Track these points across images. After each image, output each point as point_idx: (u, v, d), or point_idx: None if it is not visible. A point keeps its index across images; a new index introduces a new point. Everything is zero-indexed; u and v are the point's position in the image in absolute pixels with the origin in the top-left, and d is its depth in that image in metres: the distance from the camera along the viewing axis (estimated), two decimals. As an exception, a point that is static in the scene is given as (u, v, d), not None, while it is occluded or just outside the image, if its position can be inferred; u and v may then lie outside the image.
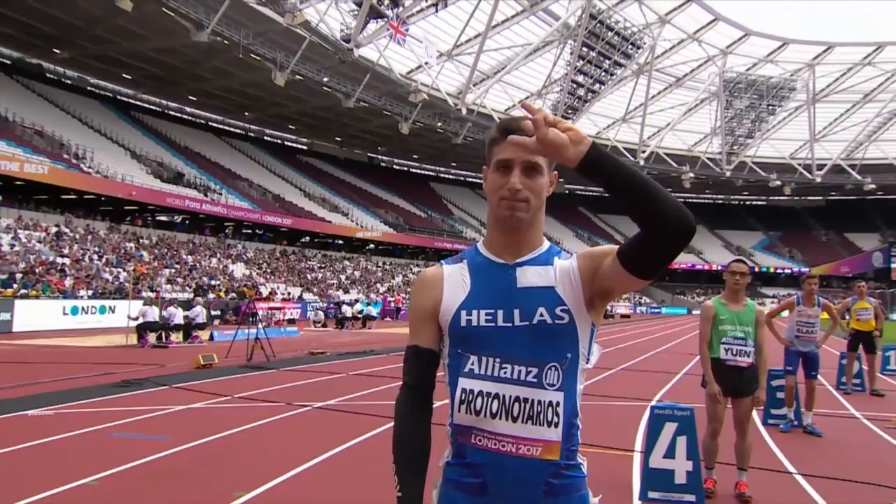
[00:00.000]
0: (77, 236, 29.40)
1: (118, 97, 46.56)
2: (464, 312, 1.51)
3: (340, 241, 49.87)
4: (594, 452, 5.95)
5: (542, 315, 1.48)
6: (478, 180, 73.26)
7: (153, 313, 14.96)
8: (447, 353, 1.55)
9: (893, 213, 74.71)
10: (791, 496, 4.91)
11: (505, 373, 1.46)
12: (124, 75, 44.50)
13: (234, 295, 28.90)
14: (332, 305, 29.80)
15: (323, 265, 43.40)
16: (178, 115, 50.56)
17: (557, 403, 1.46)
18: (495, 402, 1.45)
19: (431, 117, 49.29)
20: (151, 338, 14.71)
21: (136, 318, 14.60)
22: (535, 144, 1.40)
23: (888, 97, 60.43)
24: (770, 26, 56.42)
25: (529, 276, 1.52)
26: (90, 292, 21.95)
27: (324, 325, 24.74)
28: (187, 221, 40.07)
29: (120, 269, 26.60)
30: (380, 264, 49.32)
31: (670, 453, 4.61)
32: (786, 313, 7.87)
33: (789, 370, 7.44)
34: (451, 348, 1.54)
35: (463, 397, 1.48)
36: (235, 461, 5.40)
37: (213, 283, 30.07)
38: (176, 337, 15.49)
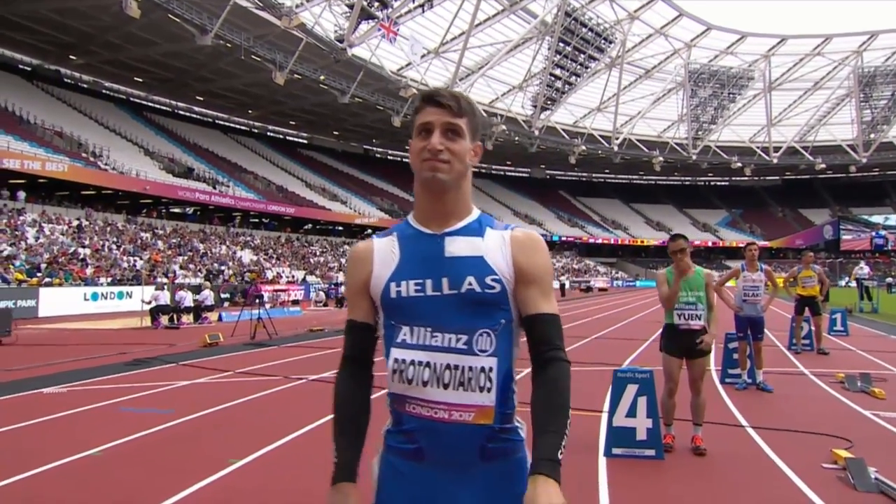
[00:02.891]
0: (97, 228, 29.09)
1: (131, 99, 45.86)
2: (393, 284, 1.41)
3: (340, 228, 49.61)
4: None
5: (470, 284, 1.37)
6: (466, 168, 72.95)
7: (165, 297, 14.82)
8: (381, 324, 1.46)
9: (841, 190, 75.10)
10: (742, 447, 4.89)
11: (436, 341, 1.36)
12: (136, 78, 43.80)
13: (244, 278, 28.74)
14: (332, 286, 29.64)
15: (324, 250, 43.20)
16: (187, 114, 49.90)
17: (490, 369, 1.36)
18: (426, 370, 1.36)
19: (421, 111, 48.76)
20: (164, 320, 14.56)
21: (149, 302, 14.46)
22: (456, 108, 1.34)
23: (835, 84, 60.44)
24: (729, 21, 56.29)
25: (458, 246, 1.41)
26: (109, 279, 21.72)
27: (325, 305, 24.59)
28: (198, 212, 39.72)
29: (136, 258, 26.36)
30: (377, 247, 49.15)
31: (632, 413, 4.57)
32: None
33: (741, 336, 7.42)
34: (384, 320, 1.44)
35: (395, 367, 1.39)
36: (233, 430, 5.33)
37: (222, 268, 29.85)
38: (187, 319, 15.34)
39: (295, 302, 26.26)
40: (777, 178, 77.39)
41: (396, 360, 1.39)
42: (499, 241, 1.43)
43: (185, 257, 29.60)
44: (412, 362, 1.37)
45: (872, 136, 62.15)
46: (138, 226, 32.20)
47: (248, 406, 6.30)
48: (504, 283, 1.39)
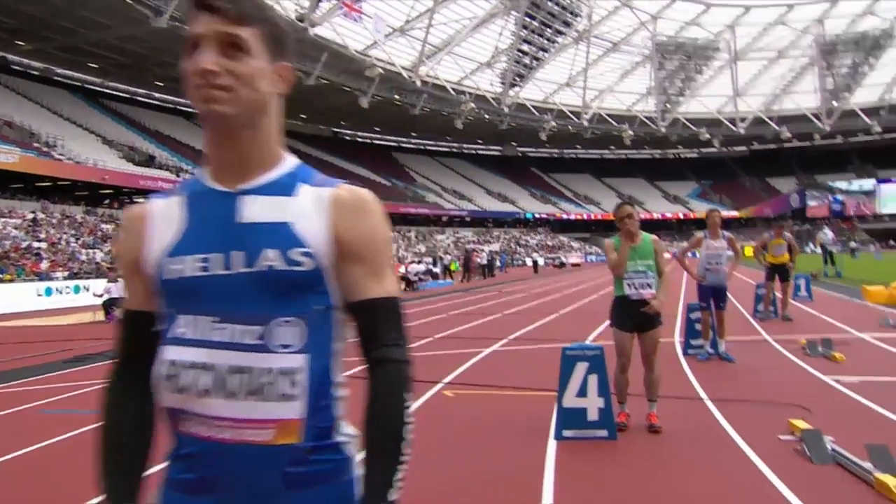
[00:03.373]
0: (54, 221, 28.05)
1: (86, 86, 44.20)
2: (169, 261, 1.03)
3: (311, 212, 48.75)
4: (518, 395, 5.67)
5: (270, 259, 1.00)
6: (437, 148, 72.33)
7: (118, 289, 14.17)
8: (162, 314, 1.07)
9: (807, 159, 76.21)
10: (699, 422, 4.68)
11: (221, 336, 0.99)
12: (90, 64, 42.19)
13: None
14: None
15: (295, 235, 42.49)
16: (147, 100, 48.37)
17: (295, 370, 0.99)
18: (206, 375, 0.98)
19: (389, 91, 48.08)
20: (118, 313, 13.92)
21: (101, 295, 13.86)
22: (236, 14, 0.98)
23: (798, 53, 60.97)
24: (695, -9, 56.04)
25: (257, 209, 1.03)
26: (66, 273, 20.93)
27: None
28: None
29: (96, 250, 25.48)
30: (349, 231, 48.51)
31: (582, 392, 4.31)
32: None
33: (703, 306, 7.24)
34: (162, 307, 1.06)
35: (168, 371, 1.01)
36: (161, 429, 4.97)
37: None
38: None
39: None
40: (745, 148, 78.19)
41: (170, 363, 1.01)
42: (314, 203, 1.06)
43: (149, 248, 28.73)
44: (190, 364, 0.99)
45: (835, 103, 62.99)
46: (99, 217, 31.16)
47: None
48: (318, 259, 1.03)
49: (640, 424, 4.51)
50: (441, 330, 10.46)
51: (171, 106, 49.89)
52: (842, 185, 73.41)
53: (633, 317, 4.47)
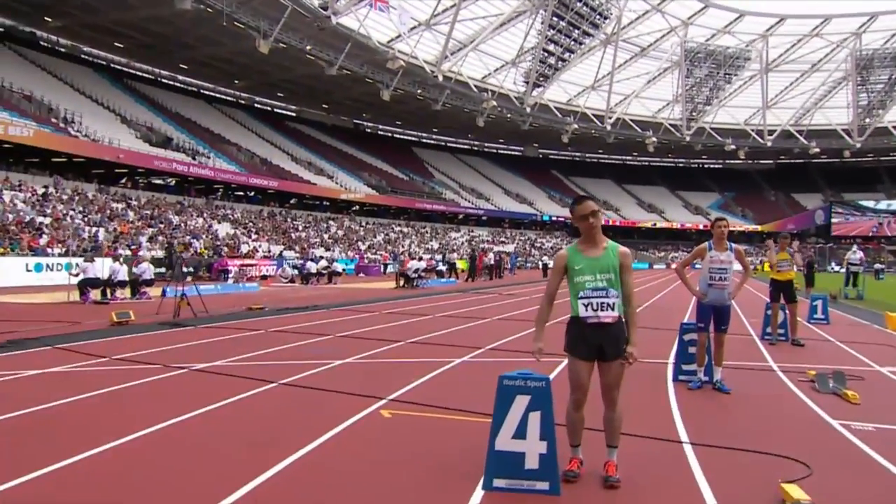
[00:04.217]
0: (65, 197, 27.78)
1: (112, 65, 44.17)
2: None
3: (326, 203, 48.24)
4: (463, 421, 4.80)
5: None
6: (458, 145, 71.37)
7: (94, 269, 13.60)
8: None
9: (834, 175, 73.76)
10: (671, 473, 3.78)
11: None
12: (116, 44, 42.09)
13: (217, 252, 27.54)
14: (304, 262, 28.43)
15: (307, 225, 41.94)
16: (171, 82, 48.26)
17: None
18: None
19: (411, 84, 47.27)
20: (95, 294, 13.39)
21: (77, 275, 13.28)
22: None
23: (833, 67, 58.74)
24: (728, -2, 54.19)
25: None
26: (63, 250, 20.49)
27: (291, 281, 23.45)
28: (174, 184, 38.39)
29: (100, 228, 25.10)
30: (363, 224, 47.87)
31: (521, 433, 3.44)
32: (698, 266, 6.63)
33: (701, 326, 6.28)
34: None
35: None
36: (58, 431, 4.22)
37: (194, 241, 28.62)
38: (122, 293, 14.17)
39: (263, 277, 25.12)
40: (771, 161, 75.96)
41: None
42: None
43: (156, 229, 28.35)
44: None
45: (868, 120, 60.60)
46: (110, 196, 30.88)
47: (94, 401, 5.17)
48: None
49: (596, 473, 3.63)
50: (417, 334, 9.61)
51: (194, 90, 49.77)
52: (869, 203, 70.92)
53: (592, 342, 3.58)
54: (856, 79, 57.52)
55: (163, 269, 19.92)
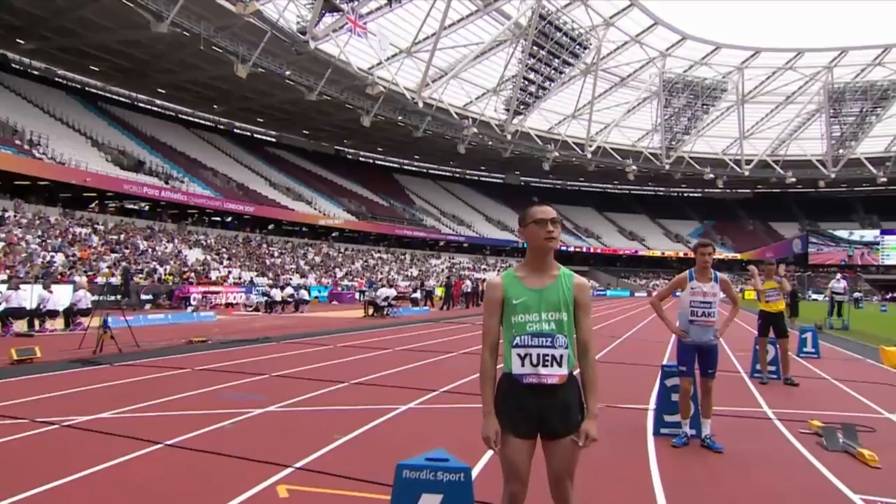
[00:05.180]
0: (24, 221, 26.33)
1: (87, 89, 43.01)
2: None
3: (305, 229, 47.00)
4: (365, 500, 3.64)
5: None
6: (440, 172, 70.76)
7: (18, 297, 12.27)
8: None
9: (810, 204, 74.21)
10: None
11: None
12: (92, 67, 41.01)
13: (183, 278, 26.13)
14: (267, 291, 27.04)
15: (284, 251, 40.63)
16: (148, 107, 47.14)
17: None
18: None
19: (392, 111, 46.71)
20: (20, 325, 12.04)
21: None
22: None
23: (806, 99, 59.37)
24: (705, 31, 54.90)
25: None
26: (6, 276, 19.03)
27: (256, 310, 22.11)
28: (147, 209, 37.01)
29: (59, 253, 23.66)
30: (341, 250, 46.65)
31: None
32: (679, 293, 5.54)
33: (683, 370, 5.20)
34: None
35: None
36: None
37: (160, 267, 27.21)
38: (53, 324, 12.81)
39: (229, 305, 23.76)
40: (748, 190, 76.31)
41: None
42: None
43: (120, 255, 26.92)
44: None
45: (841, 151, 61.13)
46: (75, 220, 29.45)
47: None
48: None
49: None
50: (367, 372, 8.42)
51: (171, 114, 48.69)
52: (843, 233, 71.29)
53: (531, 412, 2.47)
54: (829, 111, 58.08)
55: (117, 297, 18.51)
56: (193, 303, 21.70)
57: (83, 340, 10.15)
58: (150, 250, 29.57)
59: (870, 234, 70.56)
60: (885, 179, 62.05)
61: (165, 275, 26.19)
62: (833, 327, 18.21)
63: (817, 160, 62.36)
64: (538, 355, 2.45)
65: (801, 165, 63.64)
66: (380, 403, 6.33)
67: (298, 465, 4.21)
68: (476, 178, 73.35)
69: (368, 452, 4.64)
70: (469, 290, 28.60)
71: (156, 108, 47.67)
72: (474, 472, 4.08)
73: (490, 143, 54.34)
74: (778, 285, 8.43)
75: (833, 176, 62.39)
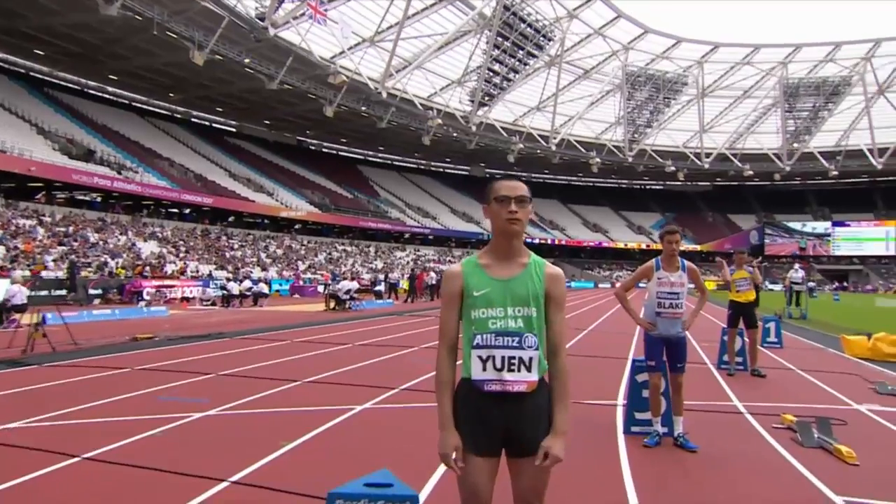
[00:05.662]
0: (-38, 212, 24.79)
1: (31, 74, 40.86)
2: None
3: (266, 221, 45.80)
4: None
5: None
6: (404, 164, 70.03)
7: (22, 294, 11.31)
8: None
9: (767, 197, 76.17)
10: None
11: None
12: (37, 51, 38.89)
13: (128, 272, 25.00)
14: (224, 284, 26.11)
15: (244, 244, 39.48)
16: (99, 94, 45.09)
17: None
18: None
19: (356, 101, 45.73)
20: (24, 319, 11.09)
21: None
22: None
23: (763, 94, 60.69)
24: (666, 25, 55.49)
25: None
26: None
27: (213, 304, 21.27)
28: (99, 200, 35.42)
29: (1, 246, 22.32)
30: (304, 243, 45.65)
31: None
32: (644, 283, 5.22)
33: (652, 365, 4.89)
34: None
35: None
36: None
37: (112, 260, 26.01)
38: (-17, 321, 11.94)
39: (185, 299, 22.81)
40: (708, 183, 77.80)
41: None
42: None
43: (67, 248, 25.60)
44: None
45: (795, 145, 62.76)
46: (18, 211, 27.91)
47: None
48: None
49: None
50: (323, 369, 7.94)
51: (125, 102, 46.75)
52: (796, 225, 73.42)
53: (494, 425, 2.07)
54: (784, 105, 59.51)
55: (63, 291, 17.50)
56: (146, 297, 20.72)
57: (13, 339, 9.36)
58: (101, 243, 28.26)
59: (821, 226, 72.82)
60: (836, 173, 64.00)
61: (117, 268, 25.02)
62: (792, 316, 18.47)
63: (773, 154, 63.91)
64: (503, 358, 2.05)
65: (757, 159, 65.14)
66: (333, 404, 5.87)
67: (234, 478, 3.73)
68: (441, 169, 72.88)
69: (316, 461, 4.18)
70: (433, 282, 28.21)
71: (108, 96, 45.67)
72: (429, 488, 3.68)
73: (455, 134, 53.90)
74: (748, 275, 8.26)
75: (788, 169, 64.04)
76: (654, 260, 5.07)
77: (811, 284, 44.90)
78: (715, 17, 70.78)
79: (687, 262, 5.04)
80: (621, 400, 6.18)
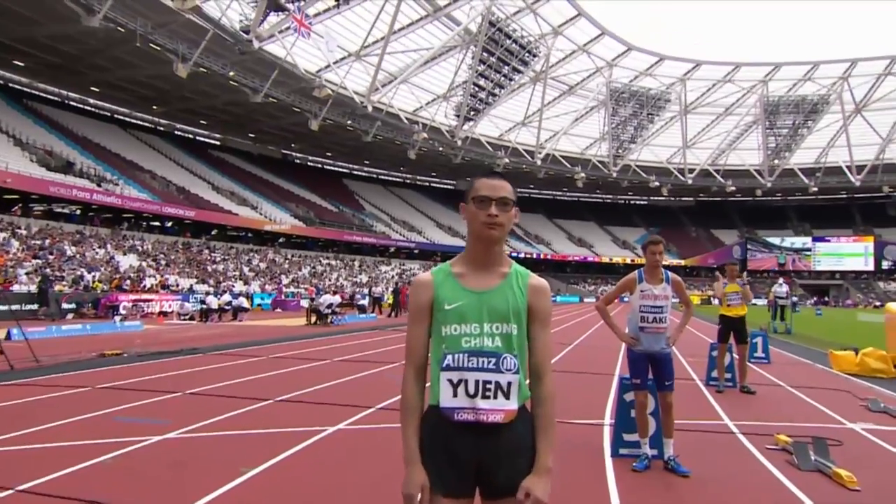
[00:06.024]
0: (-67, 224, 24.04)
1: (10, 85, 40.18)
2: None
3: (250, 235, 45.19)
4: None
5: None
6: (390, 178, 69.83)
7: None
8: None
9: (749, 212, 76.94)
10: None
11: None
12: (16, 62, 38.26)
13: (105, 286, 24.35)
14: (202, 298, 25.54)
15: (227, 257, 38.86)
16: (80, 105, 44.43)
17: None
18: None
19: (341, 115, 45.57)
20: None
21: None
22: None
23: (744, 111, 61.57)
24: (649, 43, 56.18)
25: None
26: None
27: (191, 318, 20.70)
28: (78, 213, 34.71)
29: (-30, 259, 21.62)
30: (288, 256, 45.09)
31: None
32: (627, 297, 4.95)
33: (637, 383, 4.61)
34: None
35: None
36: None
37: (89, 273, 25.34)
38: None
39: (163, 314, 22.22)
40: (691, 198, 78.48)
41: None
42: None
43: (43, 261, 24.91)
44: None
45: (776, 161, 63.61)
46: (-7, 224, 27.18)
47: None
48: None
49: None
50: (297, 387, 7.55)
51: (107, 114, 46.11)
52: (776, 240, 74.12)
53: (465, 459, 1.76)
54: (764, 123, 60.39)
55: (35, 306, 16.92)
56: (123, 312, 20.12)
57: (-30, 356, 8.87)
58: (78, 256, 27.56)
59: (800, 241, 73.61)
60: (816, 189, 64.90)
61: (94, 282, 24.36)
62: (777, 331, 18.36)
63: (755, 170, 64.72)
64: (477, 382, 1.75)
65: (739, 175, 65.89)
66: (304, 425, 5.51)
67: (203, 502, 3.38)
68: (427, 183, 72.79)
69: (278, 491, 3.83)
70: (418, 296, 27.78)
71: (89, 108, 45.00)
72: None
73: (440, 148, 53.87)
74: (740, 288, 8.04)
75: (769, 185, 64.83)
76: (636, 272, 4.82)
77: (794, 299, 45.27)
78: (697, 35, 71.88)
79: (671, 274, 4.80)
80: (608, 419, 5.89)
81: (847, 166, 62.17)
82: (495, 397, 1.75)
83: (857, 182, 62.56)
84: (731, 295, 7.98)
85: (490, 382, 1.75)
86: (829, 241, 71.61)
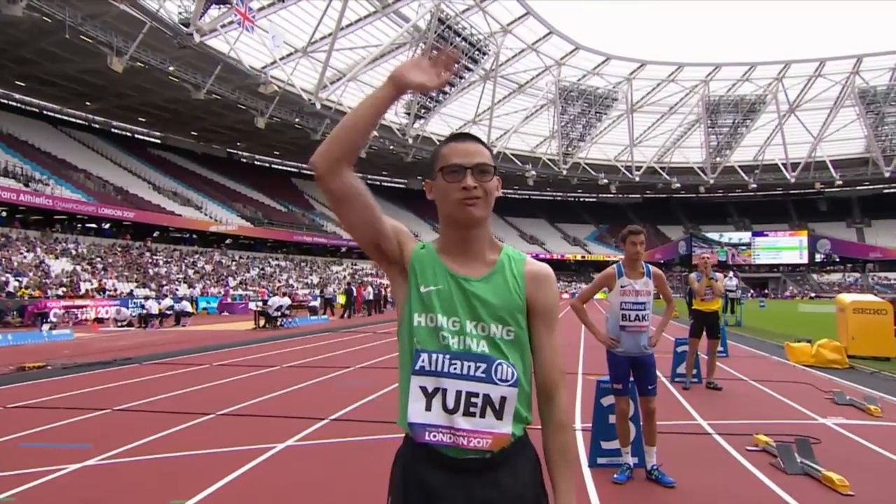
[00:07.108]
0: None
1: (-76, 78, 37.18)
2: None
3: (194, 236, 43.32)
4: None
5: None
6: (342, 178, 68.40)
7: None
8: None
9: (693, 208, 79.35)
10: None
11: None
12: (-70, 55, 35.42)
13: (32, 292, 22.67)
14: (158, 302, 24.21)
15: (170, 260, 37.07)
16: (5, 101, 41.57)
17: None
18: None
19: (289, 113, 44.26)
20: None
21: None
22: None
23: (687, 110, 63.39)
24: (596, 43, 57.12)
25: None
26: None
27: (129, 325, 19.44)
28: (5, 215, 32.39)
29: None
30: (236, 258, 43.47)
31: None
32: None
33: (618, 388, 4.24)
34: None
35: None
36: None
37: (19, 280, 23.54)
38: None
39: (98, 321, 20.81)
40: (639, 195, 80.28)
41: None
42: None
43: (-38, 267, 22.99)
44: None
45: (718, 159, 65.79)
46: None
47: None
48: None
49: None
50: (242, 398, 6.89)
51: (35, 110, 43.32)
52: (715, 236, 76.63)
53: (446, 491, 1.28)
54: (706, 121, 62.32)
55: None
56: (53, 319, 18.67)
57: None
58: (3, 261, 25.60)
59: (738, 236, 76.41)
60: (755, 186, 67.50)
61: (21, 288, 22.63)
62: (728, 324, 18.65)
63: (698, 167, 66.76)
64: (458, 394, 1.28)
65: (684, 172, 67.83)
66: (249, 442, 4.91)
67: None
68: (378, 182, 71.83)
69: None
70: (371, 297, 27.16)
71: (14, 103, 42.15)
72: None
73: (391, 147, 53.19)
74: (712, 283, 7.85)
75: (711, 182, 66.97)
76: (614, 266, 4.45)
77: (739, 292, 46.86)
78: (642, 35, 73.64)
79: (652, 268, 4.46)
80: (579, 424, 5.52)
81: (783, 164, 64.88)
82: (482, 415, 1.28)
83: (792, 179, 65.37)
84: (706, 289, 7.81)
85: (476, 395, 1.28)
86: (767, 235, 74.59)
